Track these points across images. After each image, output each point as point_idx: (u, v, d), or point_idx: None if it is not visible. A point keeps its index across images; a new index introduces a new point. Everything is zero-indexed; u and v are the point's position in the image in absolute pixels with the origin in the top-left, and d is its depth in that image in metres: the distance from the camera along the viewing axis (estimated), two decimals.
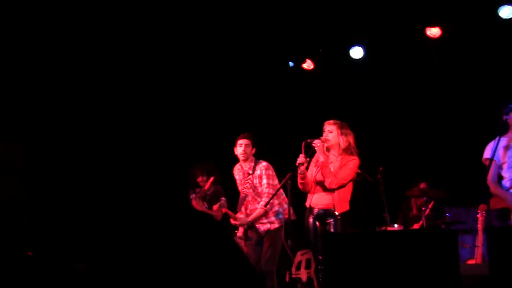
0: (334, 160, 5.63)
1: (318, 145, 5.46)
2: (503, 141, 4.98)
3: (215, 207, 6.59)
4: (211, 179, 6.62)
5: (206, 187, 6.68)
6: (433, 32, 7.56)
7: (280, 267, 6.85)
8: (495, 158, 4.98)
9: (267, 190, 5.95)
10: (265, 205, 5.86)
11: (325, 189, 5.55)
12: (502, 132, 4.94)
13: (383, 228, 7.04)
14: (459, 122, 7.84)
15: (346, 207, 5.55)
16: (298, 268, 7.81)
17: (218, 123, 8.67)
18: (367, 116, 8.27)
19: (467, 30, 7.38)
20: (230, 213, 6.11)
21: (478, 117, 7.33)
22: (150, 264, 2.15)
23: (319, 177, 5.57)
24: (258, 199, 6.03)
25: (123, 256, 2.19)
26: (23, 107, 7.45)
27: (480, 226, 6.84)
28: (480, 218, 6.85)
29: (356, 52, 8.06)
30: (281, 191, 5.97)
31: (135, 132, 8.12)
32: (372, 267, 3.76)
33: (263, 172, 6.01)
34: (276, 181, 6.05)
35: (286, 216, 6.03)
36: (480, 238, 6.86)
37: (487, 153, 5.00)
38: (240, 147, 6.04)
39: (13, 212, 6.79)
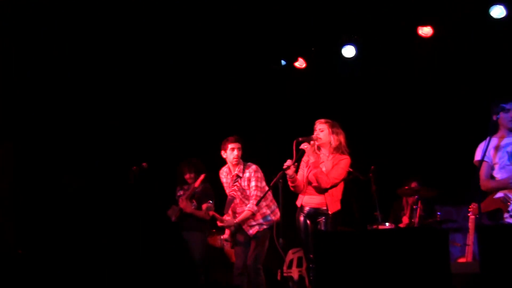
0: (325, 159, 5.64)
1: (306, 147, 5.48)
2: (494, 141, 5.00)
3: (204, 206, 6.57)
4: (202, 177, 6.52)
5: (196, 184, 6.55)
6: (425, 31, 7.57)
7: (271, 266, 6.87)
8: (486, 159, 4.99)
9: (255, 193, 6.00)
10: (257, 204, 5.89)
11: (317, 189, 5.56)
12: (493, 132, 4.96)
13: (375, 226, 7.05)
14: (450, 121, 7.86)
15: (337, 206, 5.57)
16: (289, 266, 7.81)
17: (209, 121, 8.67)
18: (359, 115, 8.28)
19: (459, 29, 7.40)
20: (217, 215, 6.13)
21: (469, 116, 7.35)
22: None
23: (311, 178, 5.58)
24: (246, 202, 6.07)
25: None
26: (14, 106, 7.44)
27: (471, 225, 6.87)
28: (471, 216, 6.88)
29: (348, 51, 8.06)
30: (269, 193, 5.99)
31: (119, 130, 8.14)
32: (364, 265, 3.77)
33: (252, 174, 6.07)
34: (264, 184, 6.11)
35: (274, 217, 6.06)
36: (470, 237, 6.89)
37: (478, 155, 5.01)
38: (233, 151, 6.09)
39: (2, 210, 6.77)
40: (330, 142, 5.63)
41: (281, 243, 5.71)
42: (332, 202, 5.52)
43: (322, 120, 5.70)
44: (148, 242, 6.83)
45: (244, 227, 6.07)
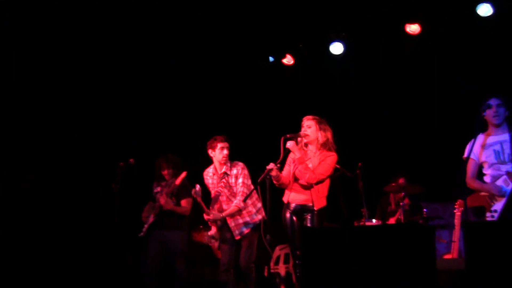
0: (312, 155, 5.65)
1: (288, 145, 5.49)
2: (481, 138, 5.02)
3: (183, 202, 6.53)
4: (183, 174, 6.40)
5: (178, 182, 6.38)
6: (413, 29, 7.60)
7: (258, 262, 6.86)
8: (474, 157, 5.02)
9: (242, 189, 6.03)
10: (244, 200, 5.90)
11: (303, 185, 5.58)
12: (481, 129, 4.99)
13: (361, 223, 7.07)
14: (437, 118, 7.89)
15: (323, 202, 5.59)
16: (276, 262, 7.82)
17: (195, 118, 8.66)
18: (346, 112, 8.29)
19: (446, 27, 7.42)
20: (203, 204, 6.06)
21: (456, 113, 7.39)
22: None
23: (297, 174, 5.59)
24: (233, 199, 6.08)
25: None
26: None
27: (457, 222, 6.91)
28: (457, 213, 6.92)
29: (336, 48, 8.07)
30: (255, 191, 6.00)
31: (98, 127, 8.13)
32: (350, 261, 3.78)
33: (239, 171, 6.11)
34: (250, 182, 6.11)
35: (260, 215, 6.08)
36: (456, 234, 6.93)
37: (466, 152, 5.03)
38: (223, 151, 6.11)
39: None
40: (317, 139, 5.65)
41: (268, 240, 5.72)
42: (317, 199, 5.53)
43: (310, 117, 5.72)
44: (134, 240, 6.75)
45: (231, 227, 6.06)
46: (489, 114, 4.92)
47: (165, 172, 6.64)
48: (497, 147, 4.92)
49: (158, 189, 6.66)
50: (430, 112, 7.97)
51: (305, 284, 4.02)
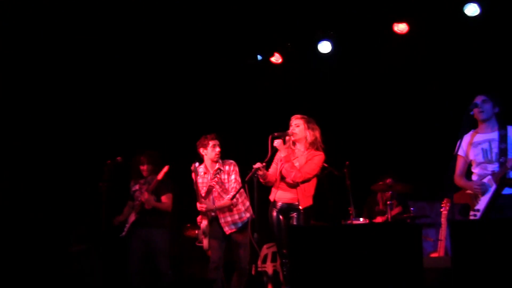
0: (300, 154, 5.66)
1: (275, 144, 5.49)
2: (469, 136, 5.04)
3: (164, 198, 6.51)
4: (165, 168, 6.30)
5: (160, 177, 6.32)
6: (400, 28, 7.62)
7: None
8: (462, 154, 5.04)
9: (234, 185, 6.03)
10: (232, 198, 5.90)
11: (289, 184, 5.59)
12: (470, 127, 5.01)
13: (349, 221, 7.09)
14: (424, 117, 7.93)
15: (309, 201, 5.60)
16: (264, 261, 7.81)
17: (184, 116, 8.64)
18: (334, 111, 8.31)
19: (434, 26, 7.46)
20: (200, 192, 6.02)
21: (443, 113, 7.43)
22: None
23: (284, 172, 5.60)
24: (224, 196, 6.06)
25: None
26: None
27: (443, 220, 6.94)
28: (444, 212, 6.95)
29: (324, 47, 8.07)
30: (243, 190, 6.01)
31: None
32: (337, 260, 3.79)
33: (232, 168, 6.11)
34: (240, 179, 6.10)
35: (249, 213, 6.08)
36: (443, 232, 6.97)
37: (457, 149, 5.05)
38: (215, 148, 6.09)
39: None
40: (305, 137, 5.66)
41: (256, 238, 5.72)
42: (304, 198, 5.54)
43: (298, 116, 5.72)
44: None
45: (222, 223, 6.05)
46: (475, 111, 4.94)
47: (144, 168, 6.59)
48: (485, 146, 4.93)
49: (137, 187, 6.62)
50: (417, 111, 8.00)
51: (292, 283, 4.02)
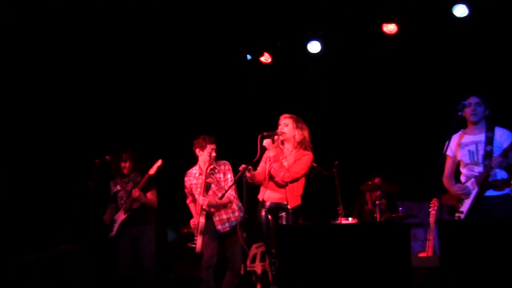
0: (289, 154, 5.66)
1: (264, 143, 5.49)
2: (458, 136, 5.06)
3: (149, 194, 6.48)
4: (159, 162, 6.28)
5: (153, 172, 6.29)
6: (390, 28, 7.65)
7: None
8: (451, 155, 5.06)
9: (231, 184, 6.01)
10: (220, 198, 5.92)
11: (278, 183, 5.58)
12: (458, 127, 5.03)
13: (338, 221, 7.10)
14: (413, 117, 7.96)
15: (298, 201, 5.60)
16: (253, 261, 7.82)
17: (174, 116, 8.63)
18: (323, 110, 8.32)
19: (423, 27, 7.48)
20: (205, 185, 6.01)
21: (432, 113, 7.46)
22: None
23: (272, 172, 5.59)
24: (219, 194, 6.05)
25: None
26: None
27: (431, 220, 6.98)
28: (432, 212, 6.99)
29: (314, 47, 8.09)
30: (235, 189, 6.01)
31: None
32: (326, 259, 3.79)
33: (227, 167, 6.12)
34: (234, 178, 6.11)
35: (241, 212, 6.07)
36: (431, 232, 7.00)
37: (445, 149, 5.07)
38: (211, 152, 6.10)
39: None
40: (294, 137, 5.66)
41: (245, 238, 5.71)
42: (292, 197, 5.54)
43: (287, 115, 5.72)
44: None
45: (215, 221, 6.05)
46: (467, 112, 4.95)
47: (126, 165, 6.55)
48: (472, 148, 4.95)
49: (118, 187, 6.58)
50: (406, 111, 8.03)
51: (281, 282, 4.02)
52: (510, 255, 3.48)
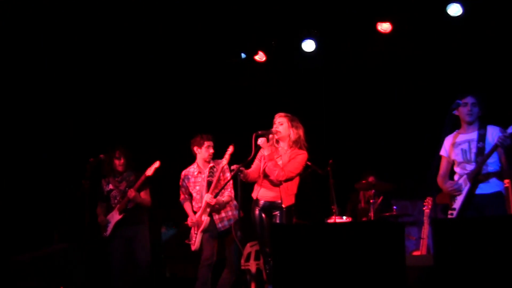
0: (283, 152, 5.66)
1: (259, 142, 5.50)
2: (452, 136, 5.08)
3: (143, 193, 6.46)
4: (157, 164, 6.28)
5: (150, 173, 6.28)
6: (384, 27, 7.65)
7: None
8: (445, 155, 5.08)
9: (231, 182, 6.05)
10: (215, 196, 5.95)
11: (272, 182, 5.58)
12: (454, 126, 5.05)
13: (332, 219, 7.11)
14: (407, 116, 7.97)
15: (292, 200, 5.60)
16: (247, 259, 7.82)
17: (168, 115, 8.62)
18: (318, 109, 8.33)
19: (417, 26, 7.50)
20: (209, 185, 6.04)
21: (426, 112, 7.47)
22: None
23: (267, 170, 5.59)
24: (216, 191, 6.07)
25: None
26: None
27: (425, 219, 6.99)
28: (426, 211, 7.00)
29: (308, 45, 8.09)
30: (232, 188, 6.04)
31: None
32: (320, 258, 3.79)
33: (225, 166, 6.14)
34: None
35: (237, 211, 6.08)
36: (425, 231, 7.02)
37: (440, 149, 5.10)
38: (209, 149, 6.20)
39: None
40: (289, 136, 5.66)
41: (239, 236, 5.71)
42: (286, 196, 5.54)
43: (282, 114, 5.72)
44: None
45: (215, 219, 6.08)
46: (462, 111, 4.97)
47: (121, 162, 6.53)
48: (465, 146, 4.98)
49: (111, 186, 6.56)
50: (400, 110, 8.04)
51: (275, 281, 4.02)
52: (503, 253, 3.49)
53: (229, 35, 8.14)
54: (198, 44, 8.19)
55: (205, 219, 6.04)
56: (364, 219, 7.71)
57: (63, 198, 7.84)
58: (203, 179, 6.19)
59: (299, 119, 5.78)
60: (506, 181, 5.67)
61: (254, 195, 5.72)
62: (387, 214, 7.44)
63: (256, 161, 5.78)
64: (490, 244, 3.53)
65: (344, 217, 7.42)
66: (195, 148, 6.24)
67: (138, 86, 8.47)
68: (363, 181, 7.56)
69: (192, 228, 6.18)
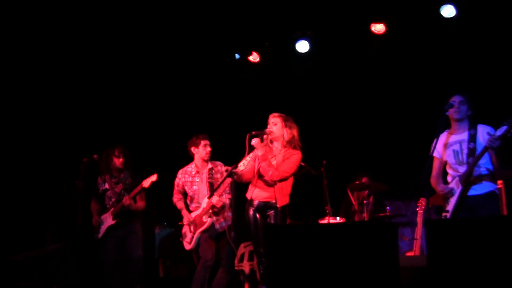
0: (277, 152, 5.66)
1: (253, 142, 5.50)
2: (444, 137, 5.10)
3: (138, 198, 6.46)
4: (154, 178, 6.23)
5: (147, 185, 6.24)
6: (378, 28, 7.67)
7: None
8: (438, 156, 5.10)
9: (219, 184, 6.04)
10: (209, 196, 5.96)
11: (267, 182, 5.58)
12: (445, 127, 5.07)
13: (325, 220, 7.11)
14: (401, 117, 7.99)
15: (286, 200, 5.60)
16: (241, 260, 7.81)
17: (162, 115, 8.61)
18: (311, 110, 8.33)
19: (411, 27, 7.52)
20: (221, 187, 6.03)
21: (419, 112, 7.49)
22: None
23: (261, 170, 5.59)
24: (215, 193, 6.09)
25: None
26: None
27: (419, 219, 7.00)
28: (420, 211, 7.01)
29: (302, 46, 8.10)
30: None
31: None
32: (314, 258, 3.79)
33: (223, 168, 6.18)
34: None
35: (230, 211, 6.09)
36: (418, 231, 7.03)
37: (432, 150, 5.11)
38: (206, 148, 6.21)
39: None
40: (283, 136, 5.65)
41: (233, 237, 5.70)
42: (281, 196, 5.54)
43: (276, 114, 5.72)
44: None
45: (213, 221, 6.08)
46: (451, 111, 5.00)
47: (120, 160, 6.49)
48: (456, 147, 5.00)
49: (107, 185, 6.53)
50: (394, 110, 8.06)
51: (269, 281, 4.02)
52: (496, 254, 3.50)
53: (223, 35, 8.13)
54: (192, 45, 8.18)
55: (208, 220, 6.05)
56: (357, 219, 7.71)
57: (56, 198, 7.82)
58: (201, 179, 6.19)
59: (293, 119, 5.78)
60: (499, 181, 5.70)
61: (248, 195, 5.72)
62: (381, 214, 7.45)
63: (250, 161, 5.77)
64: (483, 245, 3.54)
65: (338, 218, 7.42)
66: (192, 149, 6.25)
67: (131, 86, 8.46)
68: (357, 182, 7.57)
69: (188, 227, 6.18)
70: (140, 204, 6.47)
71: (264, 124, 5.70)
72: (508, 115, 4.65)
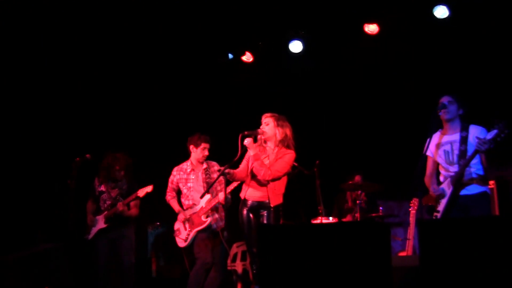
0: (270, 152, 5.66)
1: (245, 142, 5.50)
2: (436, 137, 5.12)
3: (132, 203, 6.45)
4: (149, 189, 6.24)
5: (142, 195, 6.24)
6: (371, 28, 7.69)
7: None
8: (430, 155, 5.11)
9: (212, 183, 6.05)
10: (201, 196, 5.98)
11: (260, 182, 5.58)
12: (437, 127, 5.08)
13: (318, 220, 7.12)
14: (393, 117, 8.00)
15: (279, 200, 5.60)
16: (233, 260, 7.82)
17: (155, 115, 8.60)
18: (304, 110, 8.33)
19: (404, 28, 7.54)
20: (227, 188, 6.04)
21: (412, 112, 7.51)
22: None
23: (254, 170, 5.59)
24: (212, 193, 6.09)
25: None
26: None
27: (411, 220, 7.02)
28: (412, 211, 7.03)
29: (295, 46, 8.10)
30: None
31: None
32: (307, 259, 3.79)
33: (219, 168, 6.13)
34: None
35: (222, 211, 6.09)
36: (411, 231, 7.04)
37: (425, 149, 5.12)
38: (204, 151, 6.27)
39: None
40: (275, 135, 5.65)
41: (226, 236, 5.70)
42: (274, 196, 5.54)
43: (268, 114, 5.72)
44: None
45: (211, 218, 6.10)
46: (442, 111, 5.02)
47: (121, 174, 6.49)
48: (447, 148, 5.02)
49: (103, 188, 6.52)
50: (387, 110, 8.07)
51: (262, 281, 4.02)
52: (489, 253, 3.51)
53: (217, 35, 8.13)
54: (185, 45, 8.17)
55: (208, 219, 6.05)
56: (350, 219, 7.72)
57: (48, 198, 7.80)
58: (196, 177, 6.21)
59: (286, 118, 5.78)
60: (491, 182, 5.72)
61: (242, 195, 5.72)
62: (373, 214, 7.47)
63: (243, 161, 5.78)
64: (476, 245, 3.55)
65: (331, 218, 7.43)
66: (191, 147, 6.28)
67: (125, 86, 8.45)
68: (350, 182, 7.58)
69: (182, 224, 6.17)
70: (133, 211, 6.47)
71: (258, 124, 5.70)
72: (500, 115, 4.66)
